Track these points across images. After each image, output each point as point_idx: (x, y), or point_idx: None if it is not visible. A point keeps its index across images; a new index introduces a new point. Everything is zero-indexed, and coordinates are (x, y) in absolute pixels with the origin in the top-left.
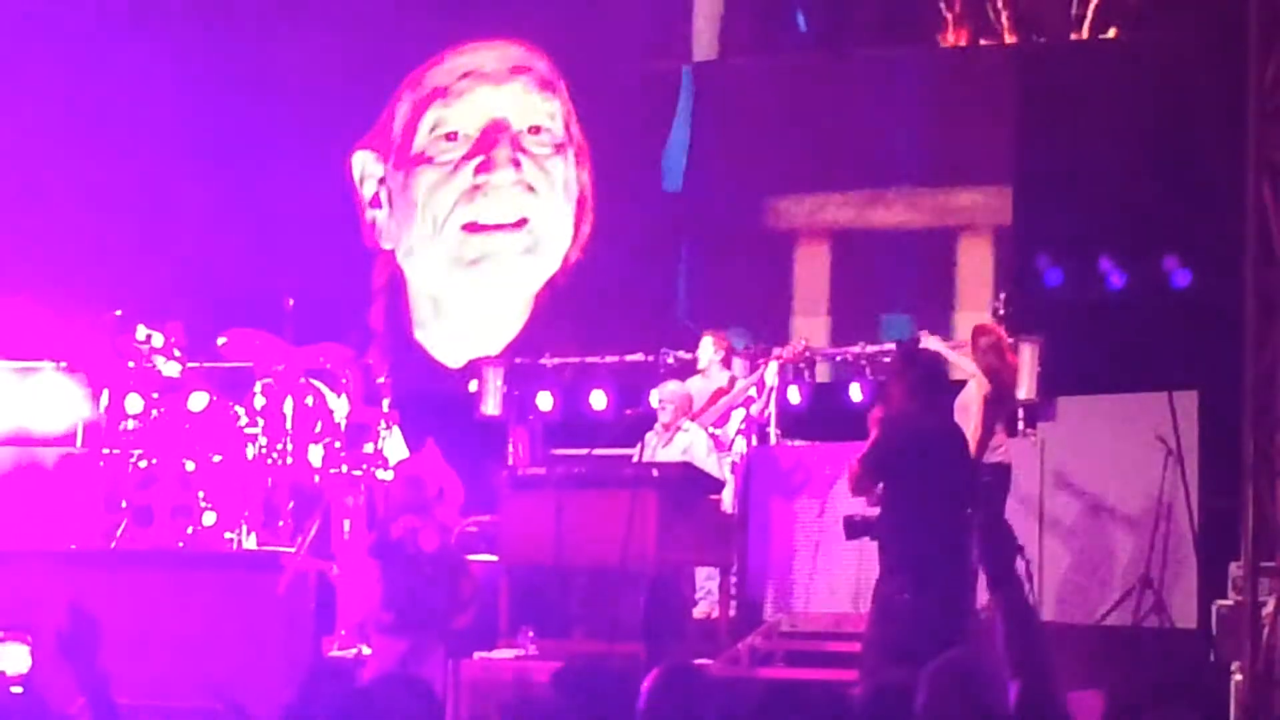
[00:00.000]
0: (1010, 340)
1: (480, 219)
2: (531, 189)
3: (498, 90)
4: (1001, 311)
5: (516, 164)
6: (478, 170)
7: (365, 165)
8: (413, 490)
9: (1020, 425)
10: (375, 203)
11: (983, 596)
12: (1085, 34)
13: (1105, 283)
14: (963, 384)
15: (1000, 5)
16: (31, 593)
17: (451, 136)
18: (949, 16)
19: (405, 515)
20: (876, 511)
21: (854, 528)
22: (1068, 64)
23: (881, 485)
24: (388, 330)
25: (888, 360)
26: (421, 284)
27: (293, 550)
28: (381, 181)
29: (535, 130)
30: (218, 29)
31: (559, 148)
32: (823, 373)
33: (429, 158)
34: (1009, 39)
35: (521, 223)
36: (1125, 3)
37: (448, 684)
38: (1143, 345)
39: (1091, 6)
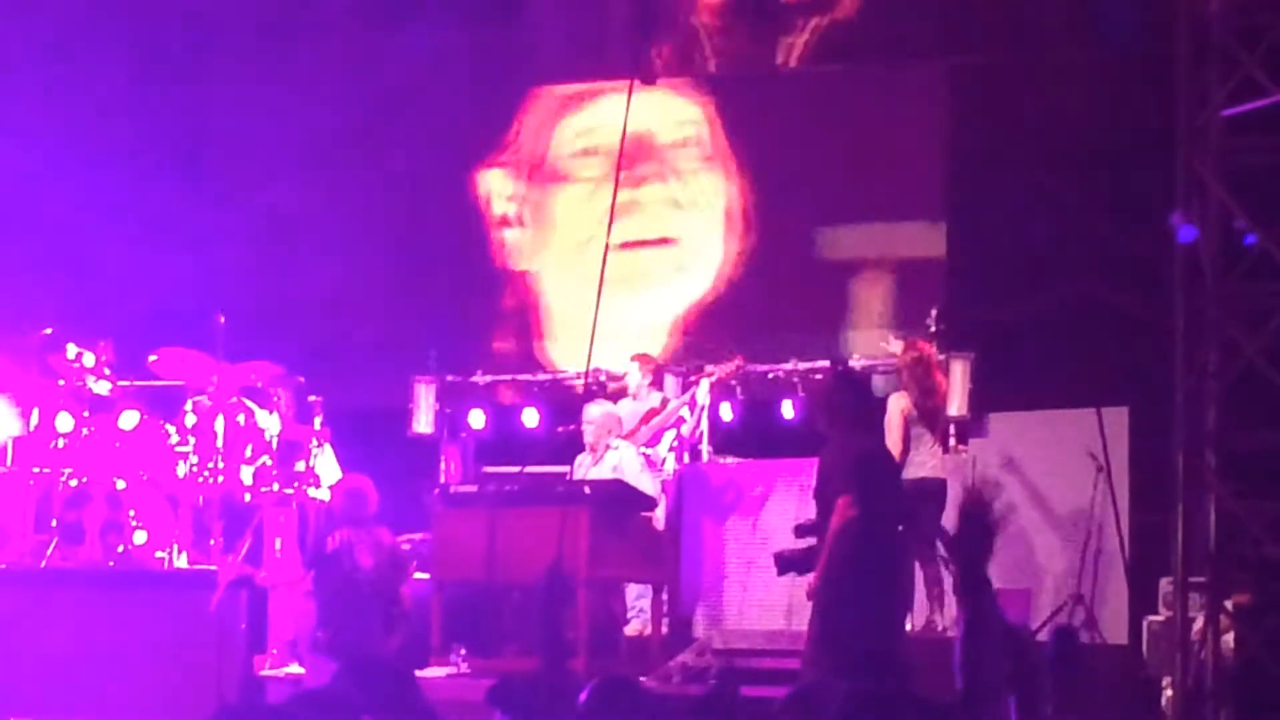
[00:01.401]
0: (941, 357)
1: (626, 237)
2: (679, 205)
3: (639, 100)
4: (934, 329)
5: (662, 179)
6: (621, 187)
7: (494, 183)
8: (352, 504)
9: (952, 442)
10: (506, 222)
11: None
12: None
13: (1036, 300)
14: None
15: (707, 50)
16: None
17: (591, 151)
18: (658, 61)
19: (342, 529)
20: (806, 544)
21: (785, 563)
22: (996, 84)
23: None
24: (519, 351)
25: (819, 378)
26: (561, 304)
27: (224, 569)
28: (512, 199)
29: (682, 143)
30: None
31: (708, 160)
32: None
33: (567, 174)
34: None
35: (669, 240)
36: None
37: None
38: (1073, 362)
39: (800, 43)
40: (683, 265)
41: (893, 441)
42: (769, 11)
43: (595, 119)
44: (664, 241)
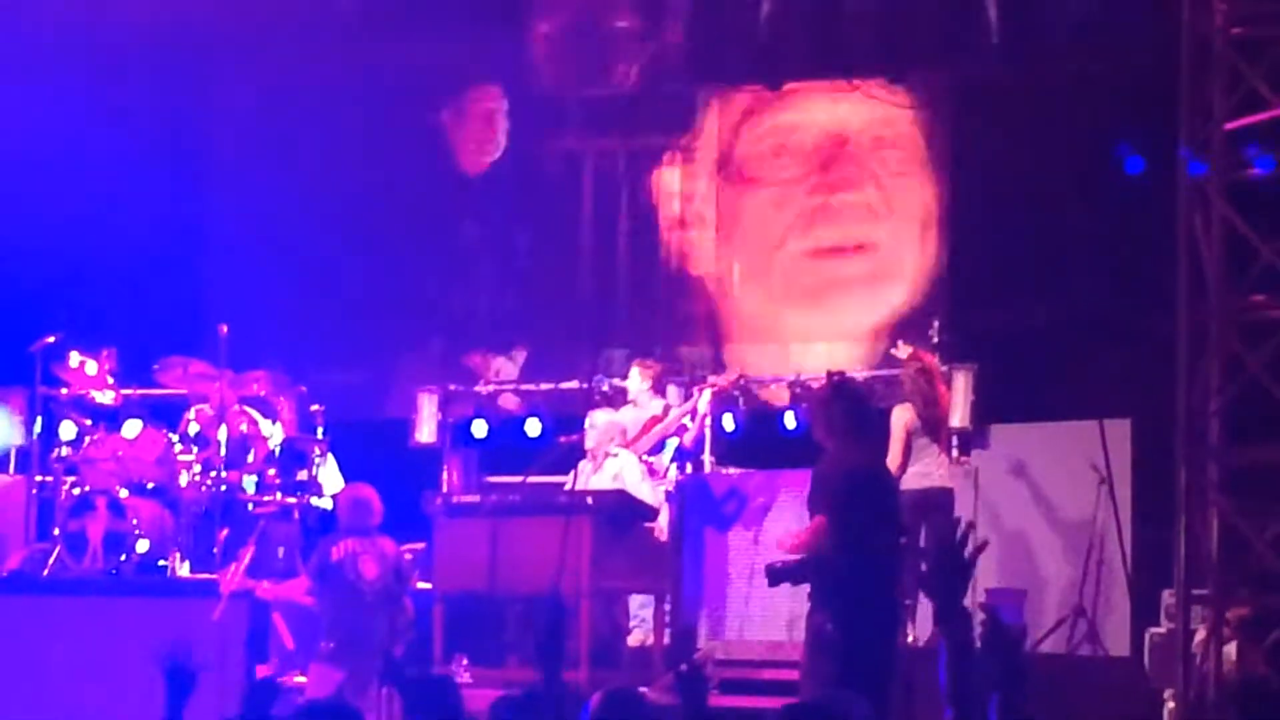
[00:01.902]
0: (944, 368)
1: (820, 243)
2: (875, 211)
3: (835, 100)
4: (936, 340)
5: (859, 183)
6: (814, 191)
7: (672, 182)
8: (356, 514)
9: (955, 453)
10: (685, 223)
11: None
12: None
13: (1038, 311)
14: (888, 412)
15: None
16: None
17: (781, 151)
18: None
19: (346, 538)
20: (798, 557)
21: (776, 575)
22: (1000, 96)
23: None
24: (712, 353)
25: (815, 388)
26: (749, 310)
27: (227, 578)
28: (690, 199)
29: (880, 143)
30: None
31: (906, 164)
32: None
33: (756, 177)
34: None
35: (866, 247)
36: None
37: (382, 713)
38: (1076, 374)
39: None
40: (881, 271)
41: (894, 454)
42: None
43: (788, 119)
44: (861, 249)
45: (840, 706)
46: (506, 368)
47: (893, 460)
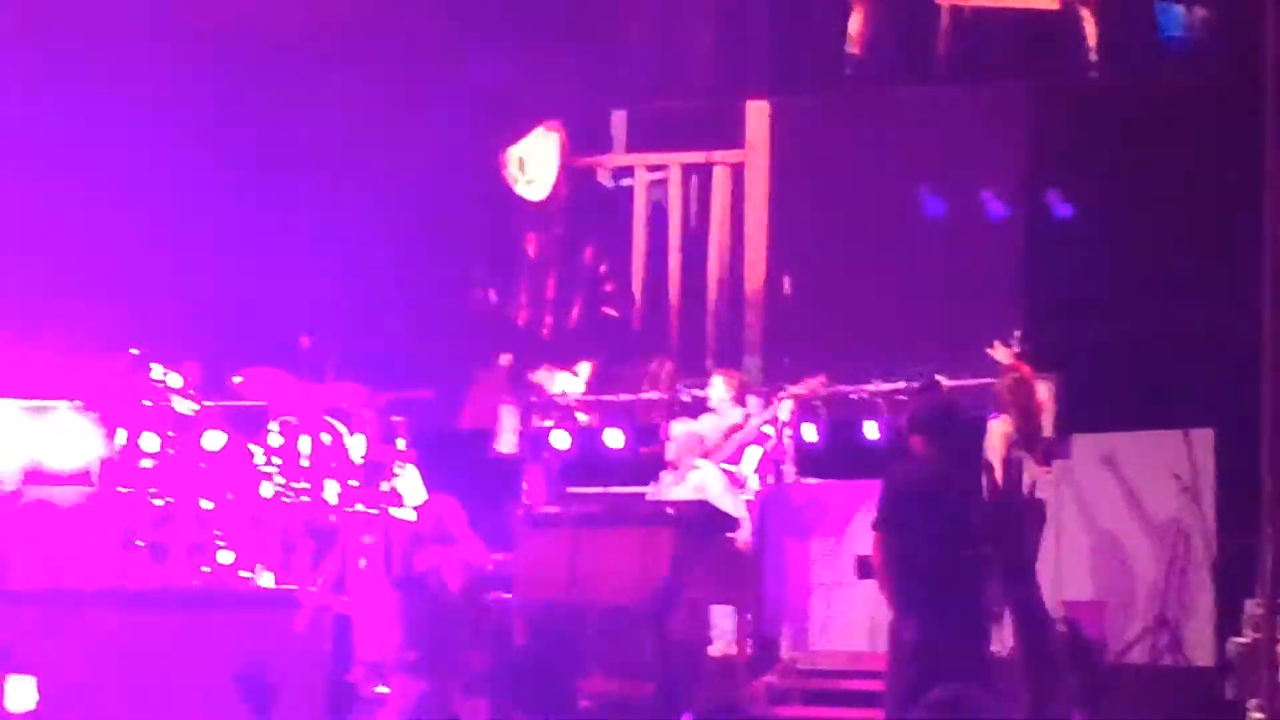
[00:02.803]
0: None
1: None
2: None
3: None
4: (1018, 349)
5: None
6: None
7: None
8: (440, 525)
9: None
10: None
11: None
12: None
13: (1121, 320)
14: (983, 421)
15: None
16: (45, 632)
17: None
18: None
19: (431, 548)
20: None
21: (866, 567)
22: (1085, 105)
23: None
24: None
25: (903, 399)
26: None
27: (309, 588)
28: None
29: None
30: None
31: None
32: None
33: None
34: None
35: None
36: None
37: None
38: (1159, 383)
39: None
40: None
41: (994, 466)
42: None
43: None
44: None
45: (972, 701)
46: (572, 383)
47: (996, 473)
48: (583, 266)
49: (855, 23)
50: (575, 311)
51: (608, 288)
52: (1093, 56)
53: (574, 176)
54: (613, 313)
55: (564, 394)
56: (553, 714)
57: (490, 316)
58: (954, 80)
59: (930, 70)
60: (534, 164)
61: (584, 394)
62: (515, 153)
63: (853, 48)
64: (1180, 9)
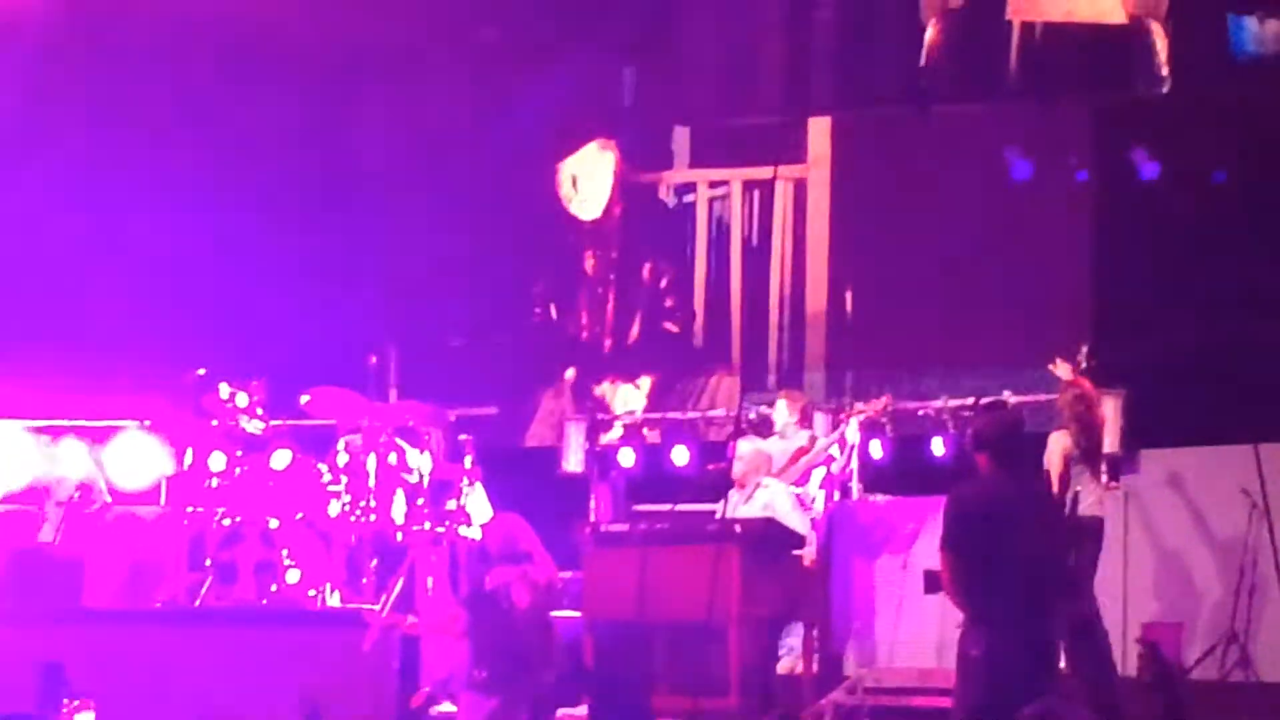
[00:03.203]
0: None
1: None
2: None
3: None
4: (1085, 365)
5: None
6: None
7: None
8: (507, 543)
9: (1104, 479)
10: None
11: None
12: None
13: (1189, 335)
14: (1044, 438)
15: None
16: (112, 652)
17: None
18: None
19: (500, 567)
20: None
21: (934, 582)
22: (1151, 120)
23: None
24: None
25: (969, 415)
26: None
27: (376, 607)
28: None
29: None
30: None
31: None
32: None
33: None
34: None
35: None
36: None
37: None
38: (1228, 398)
39: None
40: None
41: (1053, 483)
42: None
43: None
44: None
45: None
46: (634, 396)
47: (1055, 488)
48: (642, 283)
49: (930, 34)
50: (635, 328)
51: (668, 303)
52: (1163, 71)
53: (630, 193)
54: (674, 328)
55: (630, 412)
56: None
57: (552, 333)
58: (1023, 96)
59: (998, 86)
60: (587, 181)
61: (647, 409)
62: (568, 169)
63: (927, 60)
64: (1253, 22)
